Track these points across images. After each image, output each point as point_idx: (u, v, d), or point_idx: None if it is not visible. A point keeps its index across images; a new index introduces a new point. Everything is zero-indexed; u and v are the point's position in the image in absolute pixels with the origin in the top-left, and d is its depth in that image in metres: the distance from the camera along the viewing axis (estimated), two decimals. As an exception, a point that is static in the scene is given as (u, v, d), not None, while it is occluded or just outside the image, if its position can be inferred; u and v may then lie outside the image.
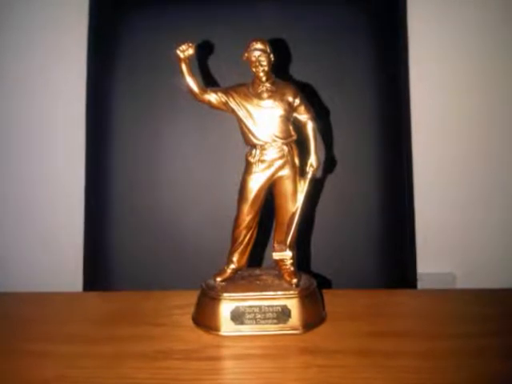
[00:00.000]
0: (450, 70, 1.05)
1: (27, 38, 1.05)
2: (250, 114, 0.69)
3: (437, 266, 1.07)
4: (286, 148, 0.70)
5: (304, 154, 0.71)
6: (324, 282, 0.92)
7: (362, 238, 0.99)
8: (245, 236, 0.72)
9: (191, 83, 0.69)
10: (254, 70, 0.69)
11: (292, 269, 0.72)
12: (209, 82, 0.90)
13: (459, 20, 1.05)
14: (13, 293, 0.83)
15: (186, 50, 0.68)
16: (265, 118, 0.69)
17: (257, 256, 0.81)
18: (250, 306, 0.68)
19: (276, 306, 0.68)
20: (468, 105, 1.05)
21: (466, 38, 1.05)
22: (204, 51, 0.93)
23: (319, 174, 0.86)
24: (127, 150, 1.01)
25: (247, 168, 0.71)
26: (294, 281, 0.71)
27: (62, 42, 1.05)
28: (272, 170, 0.70)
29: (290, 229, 0.72)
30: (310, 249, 0.97)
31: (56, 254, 1.06)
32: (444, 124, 1.06)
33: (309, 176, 0.71)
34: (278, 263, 0.73)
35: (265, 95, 0.69)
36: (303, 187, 0.71)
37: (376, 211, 1.00)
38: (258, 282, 0.72)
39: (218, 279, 0.73)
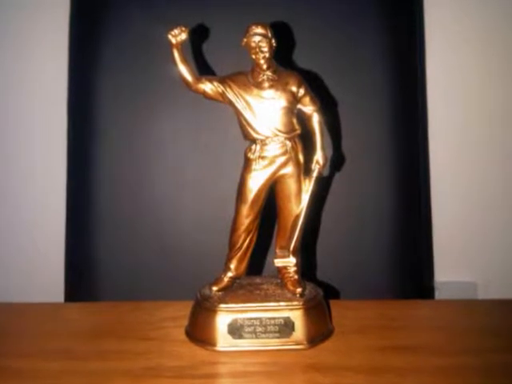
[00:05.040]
0: (471, 56, 1.05)
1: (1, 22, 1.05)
2: (250, 106, 0.69)
3: (456, 274, 1.07)
4: (289, 143, 0.70)
5: (309, 149, 0.71)
6: (331, 292, 0.92)
7: (373, 243, 0.99)
8: (244, 241, 0.72)
9: (184, 71, 0.69)
10: (253, 56, 0.69)
11: (296, 277, 0.72)
12: (204, 70, 0.90)
13: (480, 3, 1.04)
14: (-14, 303, 0.83)
15: (179, 35, 0.67)
16: (266, 109, 0.69)
17: (257, 263, 0.81)
18: (250, 319, 0.68)
19: (278, 318, 0.68)
20: (490, 97, 1.05)
21: (488, 22, 1.05)
22: (199, 36, 0.93)
23: (326, 172, 0.86)
24: (114, 146, 1.01)
25: (246, 165, 0.71)
26: (298, 290, 0.71)
27: (41, 28, 1.05)
28: (274, 167, 0.70)
29: (294, 233, 0.72)
30: (316, 255, 0.97)
31: (34, 260, 1.06)
32: (465, 118, 1.06)
33: (314, 174, 0.71)
34: (281, 271, 0.73)
35: (266, 85, 0.69)
36: (308, 187, 0.71)
37: (389, 213, 1.00)
38: (258, 292, 0.72)
39: (214, 288, 0.72)
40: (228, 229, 0.73)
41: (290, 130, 0.70)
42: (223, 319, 0.68)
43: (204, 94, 0.70)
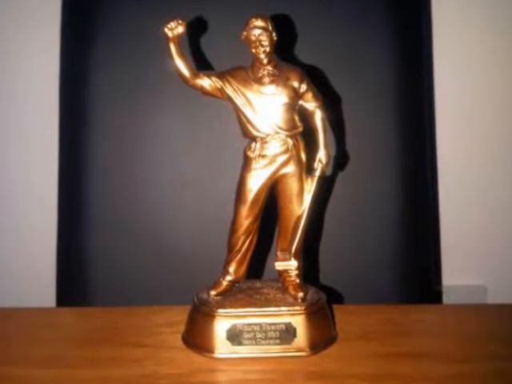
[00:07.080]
0: (479, 50, 1.05)
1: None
2: (249, 102, 0.69)
3: (465, 277, 1.07)
4: (290, 141, 0.70)
5: (311, 147, 0.71)
6: (334, 296, 0.92)
7: (378, 246, 0.99)
8: (243, 243, 0.72)
9: (181, 66, 0.69)
10: (253, 50, 0.68)
11: (297, 281, 0.72)
12: (202, 64, 0.90)
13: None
14: (-26, 308, 0.83)
15: (176, 28, 0.67)
16: (266, 106, 0.69)
17: (257, 266, 0.81)
18: (249, 324, 0.68)
19: (279, 323, 0.68)
20: (501, 92, 1.05)
21: (496, 19, 1.04)
22: (196, 29, 0.93)
23: (329, 172, 0.86)
24: (108, 145, 1.00)
25: (246, 164, 0.71)
26: (300, 295, 0.70)
27: (32, 22, 1.05)
28: (274, 166, 0.70)
29: (296, 235, 0.72)
30: (319, 258, 0.97)
31: (25, 263, 1.06)
32: (473, 114, 1.06)
33: (317, 173, 0.71)
34: (282, 274, 0.73)
35: (266, 80, 0.69)
36: (310, 186, 0.71)
37: (395, 214, 1.00)
38: (258, 296, 0.72)
39: (213, 293, 0.72)
40: (227, 230, 0.73)
41: (291, 127, 0.70)
42: (222, 325, 0.68)
43: (202, 90, 0.70)
